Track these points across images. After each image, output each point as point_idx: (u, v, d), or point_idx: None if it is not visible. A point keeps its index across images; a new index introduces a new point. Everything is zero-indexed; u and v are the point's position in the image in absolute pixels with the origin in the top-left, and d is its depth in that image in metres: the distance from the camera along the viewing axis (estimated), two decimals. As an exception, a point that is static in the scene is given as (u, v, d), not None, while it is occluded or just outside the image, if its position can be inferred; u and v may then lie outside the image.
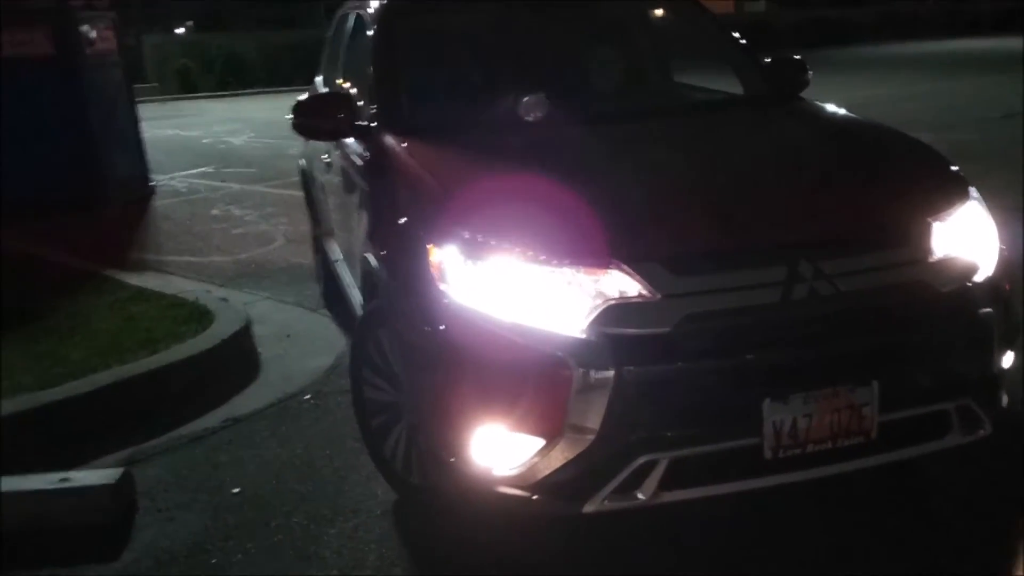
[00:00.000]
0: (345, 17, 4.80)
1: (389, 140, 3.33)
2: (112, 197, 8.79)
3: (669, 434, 2.44)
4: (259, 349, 4.72)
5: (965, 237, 2.74)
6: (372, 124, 3.50)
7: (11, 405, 3.71)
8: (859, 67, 22.90)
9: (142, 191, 9.50)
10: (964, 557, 2.70)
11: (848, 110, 3.72)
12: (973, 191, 2.90)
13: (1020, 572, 2.72)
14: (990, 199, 3.00)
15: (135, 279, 5.83)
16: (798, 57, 4.04)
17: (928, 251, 2.65)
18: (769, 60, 4.04)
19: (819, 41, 32.80)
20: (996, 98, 12.94)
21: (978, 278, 2.70)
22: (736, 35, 4.19)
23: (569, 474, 2.47)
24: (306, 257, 6.10)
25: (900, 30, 36.76)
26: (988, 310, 2.66)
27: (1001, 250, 2.83)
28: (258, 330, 4.85)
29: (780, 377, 2.44)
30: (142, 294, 5.35)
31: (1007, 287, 2.78)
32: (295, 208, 7.59)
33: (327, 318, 5.21)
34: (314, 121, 3.65)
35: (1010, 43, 25.66)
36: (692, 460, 2.47)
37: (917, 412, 2.62)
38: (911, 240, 2.65)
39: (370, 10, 4.04)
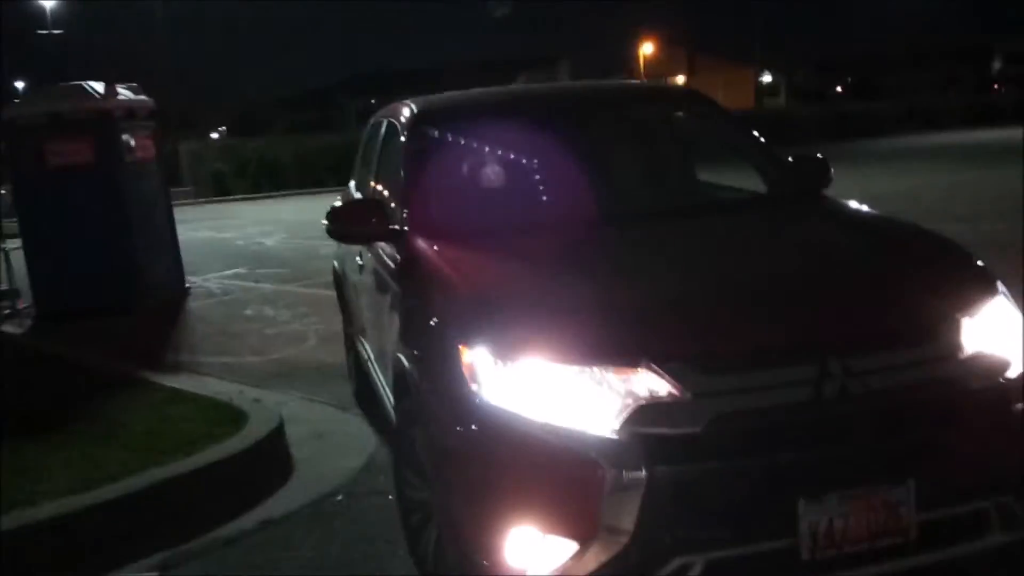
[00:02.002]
0: (379, 124, 4.97)
1: (420, 243, 3.42)
2: (149, 299, 8.98)
3: (704, 535, 2.43)
4: (292, 449, 4.74)
5: (995, 332, 2.75)
6: (404, 228, 3.60)
7: (48, 509, 3.74)
8: (882, 159, 23.07)
9: (178, 292, 9.70)
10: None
11: (872, 205, 3.77)
12: (1001, 286, 2.92)
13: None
14: (1019, 292, 3.01)
15: (171, 380, 5.92)
16: (820, 156, 4.13)
17: (958, 347, 2.65)
18: (791, 158, 4.13)
19: (841, 134, 33.19)
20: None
21: (1010, 374, 2.69)
22: (756, 134, 4.29)
23: (604, 577, 2.45)
24: (338, 356, 6.17)
25: (922, 122, 37.12)
26: (1022, 406, 2.64)
27: (1032, 344, 2.82)
28: (291, 430, 4.88)
29: (814, 476, 2.44)
30: (177, 395, 5.42)
31: (1041, 382, 2.76)
32: (327, 308, 7.69)
33: (359, 417, 5.25)
34: (347, 226, 3.78)
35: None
36: (729, 562, 2.45)
37: (955, 511, 2.58)
38: (940, 337, 2.66)
39: (402, 118, 4.20)
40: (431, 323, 2.97)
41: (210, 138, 34.77)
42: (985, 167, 17.81)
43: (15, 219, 9.53)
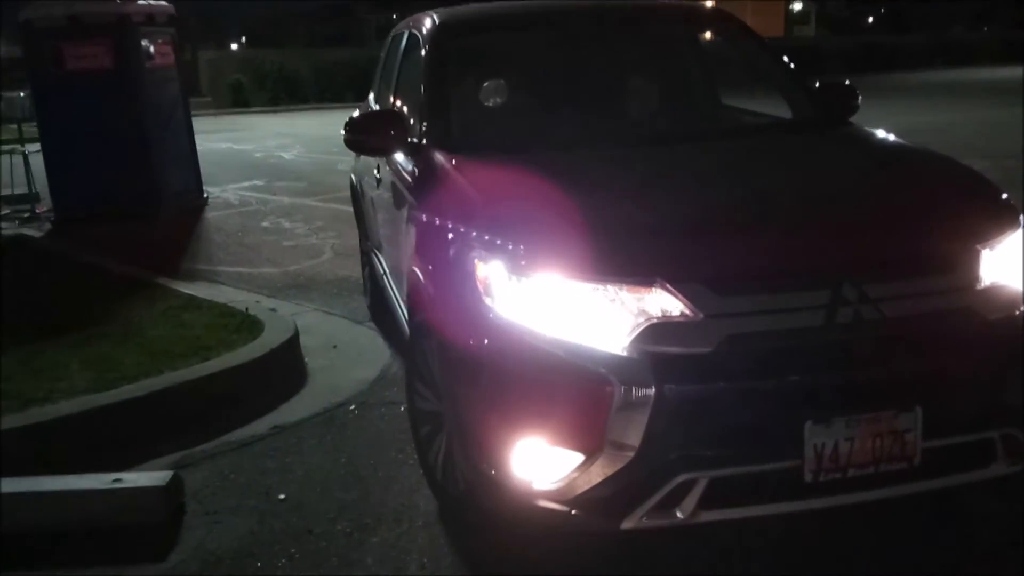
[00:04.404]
0: (399, 36, 4.90)
1: (438, 157, 3.40)
2: (166, 208, 9.02)
3: (709, 453, 2.46)
4: (306, 359, 4.81)
5: (1015, 265, 2.72)
6: (422, 141, 3.58)
7: (67, 407, 3.83)
8: (910, 94, 22.66)
9: (195, 202, 9.72)
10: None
11: (898, 136, 3.71)
12: (1023, 218, 2.88)
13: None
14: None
15: (187, 288, 5.97)
16: (847, 82, 4.05)
17: (976, 278, 2.63)
18: (818, 85, 4.05)
19: (870, 67, 32.53)
20: (1052, 126, 12.71)
21: (1026, 307, 2.68)
22: (785, 59, 4.20)
23: (608, 490, 2.49)
24: (354, 270, 6.20)
25: (952, 57, 36.31)
26: (1035, 339, 2.64)
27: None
28: (305, 340, 4.94)
29: (822, 400, 2.45)
30: (194, 302, 5.47)
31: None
32: (343, 222, 7.72)
33: (373, 330, 5.30)
34: (365, 137, 3.75)
35: (1067, 71, 25.25)
36: (732, 480, 2.48)
37: (961, 440, 2.59)
38: (959, 267, 2.64)
39: (424, 30, 4.13)
40: (447, 237, 2.97)
41: (230, 48, 34.36)
42: (1015, 105, 17.44)
43: (35, 123, 9.53)
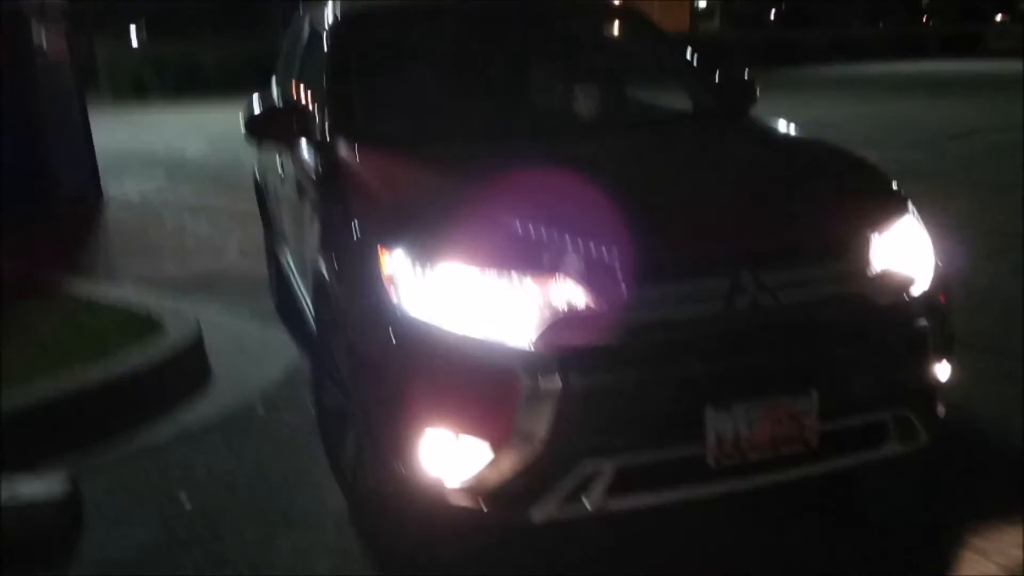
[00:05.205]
0: (301, 22, 4.81)
1: (342, 149, 3.36)
2: (64, 206, 8.68)
3: (615, 442, 2.48)
4: (210, 360, 4.68)
5: (902, 251, 2.83)
6: (325, 134, 3.53)
7: (-45, 415, 3.65)
8: (811, 87, 23.29)
9: (94, 200, 9.39)
10: (895, 562, 2.78)
11: (795, 128, 3.81)
12: (910, 206, 3.00)
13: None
14: (929, 216, 3.09)
15: (85, 288, 5.75)
16: (747, 75, 4.15)
17: (866, 264, 2.73)
18: (718, 78, 4.13)
19: (772, 61, 33.31)
20: (945, 118, 13.25)
21: (914, 291, 2.79)
22: (687, 53, 4.28)
23: (518, 484, 2.50)
24: (259, 269, 6.07)
25: (851, 52, 37.44)
26: (924, 322, 2.75)
27: (936, 265, 2.92)
28: (210, 340, 4.80)
29: (722, 386, 2.50)
30: (92, 303, 5.27)
31: (942, 300, 2.87)
32: (249, 219, 7.52)
33: (280, 330, 5.19)
34: (267, 129, 3.68)
35: (956, 65, 26.44)
36: (638, 468, 2.52)
37: (856, 422, 2.69)
38: (850, 253, 2.73)
39: (325, 22, 4.06)
40: (350, 228, 2.94)
41: (129, 41, 33.28)
42: (910, 99, 18.14)
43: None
